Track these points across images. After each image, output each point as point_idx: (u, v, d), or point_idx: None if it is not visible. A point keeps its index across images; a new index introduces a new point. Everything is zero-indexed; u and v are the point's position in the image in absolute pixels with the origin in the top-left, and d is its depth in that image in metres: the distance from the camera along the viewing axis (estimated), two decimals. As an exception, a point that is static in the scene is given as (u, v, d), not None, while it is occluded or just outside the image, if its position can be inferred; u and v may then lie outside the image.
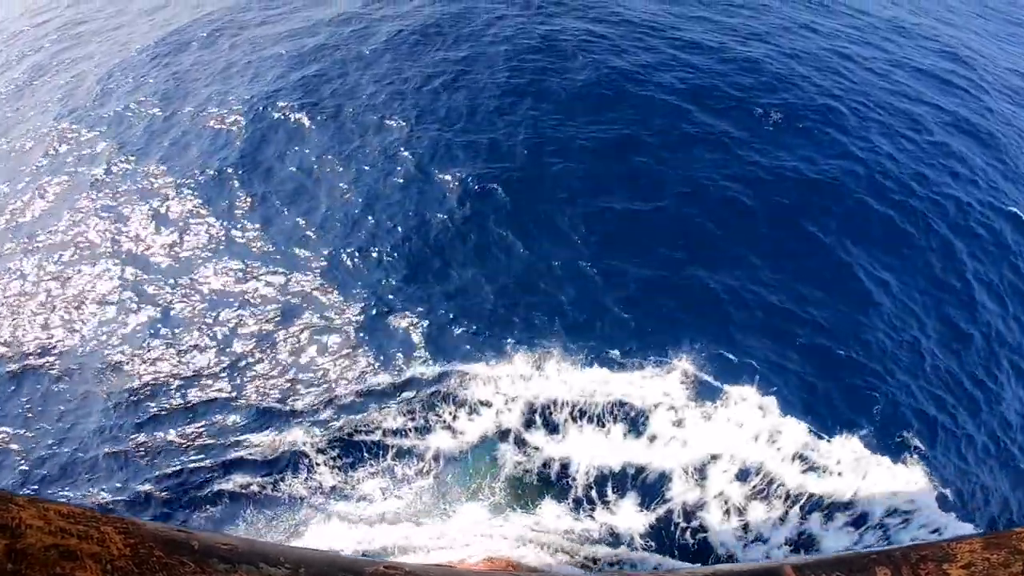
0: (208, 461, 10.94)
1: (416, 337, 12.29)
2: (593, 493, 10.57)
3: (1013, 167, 17.83)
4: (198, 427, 11.35)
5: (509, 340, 12.16)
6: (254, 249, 13.95)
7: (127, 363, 12.30)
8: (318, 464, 10.86)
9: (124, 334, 12.80)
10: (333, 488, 10.63)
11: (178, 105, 18.37)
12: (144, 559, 2.87)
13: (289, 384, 11.79)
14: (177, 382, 11.96)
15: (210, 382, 11.91)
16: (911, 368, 12.40)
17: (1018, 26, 30.67)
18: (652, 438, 11.08)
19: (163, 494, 10.72)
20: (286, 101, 17.60)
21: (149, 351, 12.41)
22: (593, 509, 10.45)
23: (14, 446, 11.50)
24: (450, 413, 11.36)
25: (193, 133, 17.14)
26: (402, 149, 15.97)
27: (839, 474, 10.82)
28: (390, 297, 12.93)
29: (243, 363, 12.12)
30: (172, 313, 13.01)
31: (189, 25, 23.11)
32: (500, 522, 10.27)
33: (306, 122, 17.00)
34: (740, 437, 11.06)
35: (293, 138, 16.65)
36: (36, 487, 10.94)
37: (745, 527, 10.37)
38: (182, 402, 11.68)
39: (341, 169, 15.63)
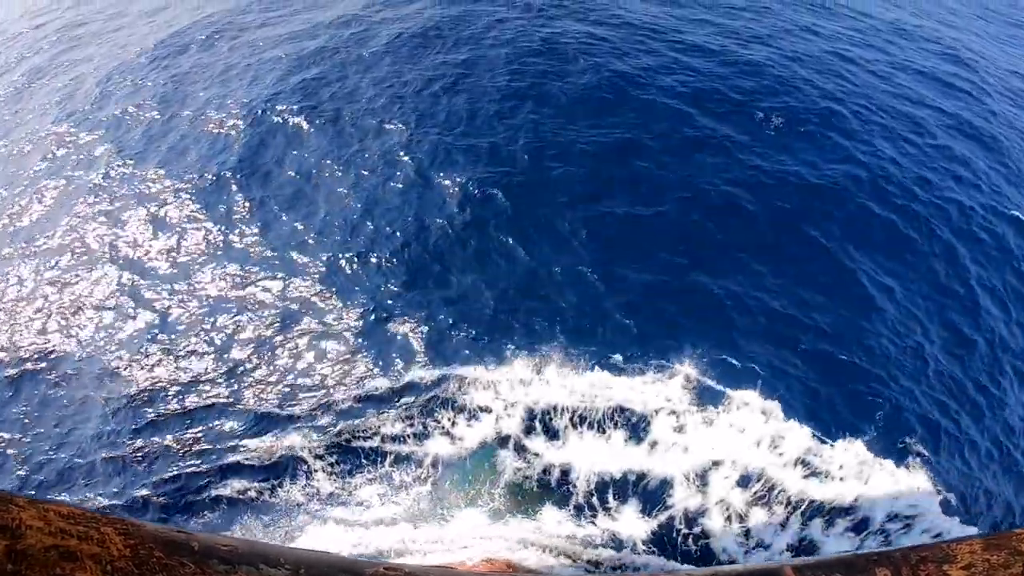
0: (206, 466, 10.91)
1: (415, 342, 12.24)
2: (595, 500, 10.54)
3: (1016, 170, 17.76)
4: (196, 432, 11.31)
5: (509, 345, 12.12)
6: (252, 254, 13.89)
7: (125, 368, 12.25)
8: (316, 471, 10.82)
9: (122, 339, 12.75)
10: (331, 494, 10.59)
11: (177, 109, 18.31)
12: (144, 560, 2.86)
13: (287, 389, 11.74)
14: (175, 387, 11.91)
15: (208, 387, 11.87)
16: (914, 373, 12.35)
17: (1018, 28, 30.65)
18: (653, 444, 11.04)
19: (161, 499, 10.70)
20: (285, 105, 17.54)
21: (147, 356, 12.36)
22: (595, 516, 10.41)
23: (11, 451, 11.46)
24: (449, 419, 11.30)
25: (191, 137, 17.07)
26: (402, 153, 15.91)
27: (841, 479, 10.79)
28: (389, 302, 12.87)
29: (241, 368, 12.07)
30: (170, 318, 12.96)
31: (189, 27, 23.06)
32: (500, 528, 10.24)
33: (305, 126, 16.93)
34: (742, 442, 11.02)
35: (292, 142, 16.58)
36: (33, 492, 10.89)
37: (747, 533, 10.35)
38: (180, 407, 11.64)
39: (340, 173, 15.56)
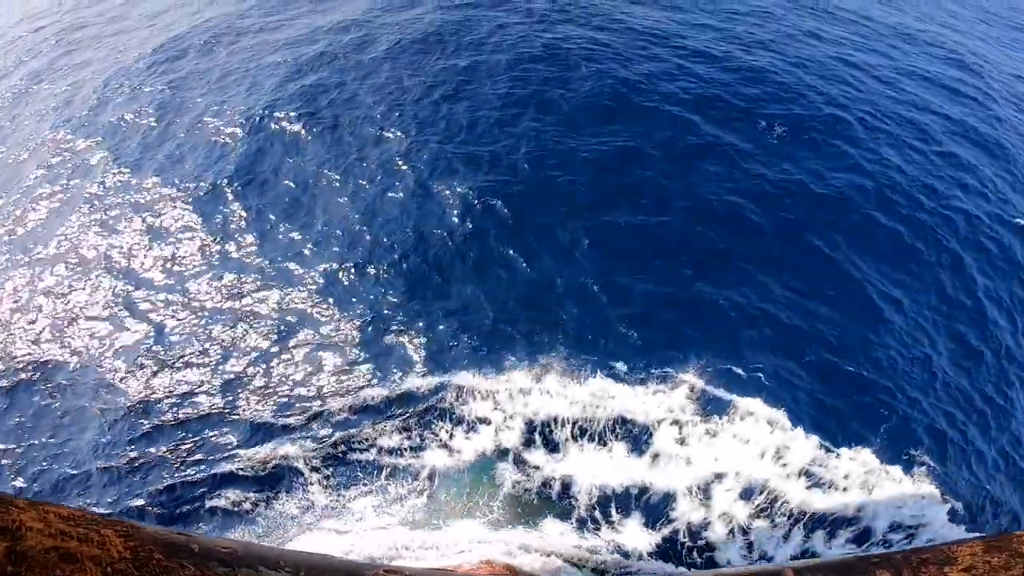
0: (201, 477, 10.85)
1: (414, 353, 12.16)
2: (597, 513, 10.44)
3: (1021, 178, 17.61)
4: (191, 443, 11.24)
5: (509, 356, 12.04)
6: (249, 264, 13.77)
7: (121, 379, 12.16)
8: (312, 483, 10.75)
9: (118, 349, 12.66)
10: (326, 506, 10.52)
11: (174, 116, 18.20)
12: (144, 562, 2.88)
13: (284, 400, 11.66)
14: (171, 398, 11.83)
15: (204, 398, 11.79)
16: (921, 384, 12.29)
17: (1019, 31, 30.48)
18: (656, 456, 10.95)
19: (156, 510, 10.65)
20: (283, 112, 17.41)
21: (143, 367, 12.27)
22: (598, 529, 10.32)
23: (6, 461, 11.39)
24: (447, 431, 11.23)
25: (188, 145, 16.94)
26: (401, 162, 15.77)
27: (845, 489, 10.75)
28: (387, 313, 12.77)
29: (237, 379, 11.99)
30: (166, 328, 12.87)
31: (188, 32, 22.95)
32: (500, 534, 10.20)
33: (303, 134, 16.80)
34: (746, 453, 10.95)
35: (290, 150, 16.45)
36: (28, 504, 10.73)
37: (750, 545, 10.30)
38: (176, 418, 11.55)
39: (338, 182, 15.43)
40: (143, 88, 19.69)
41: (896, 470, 10.93)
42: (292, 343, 12.43)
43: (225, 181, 15.51)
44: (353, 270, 13.44)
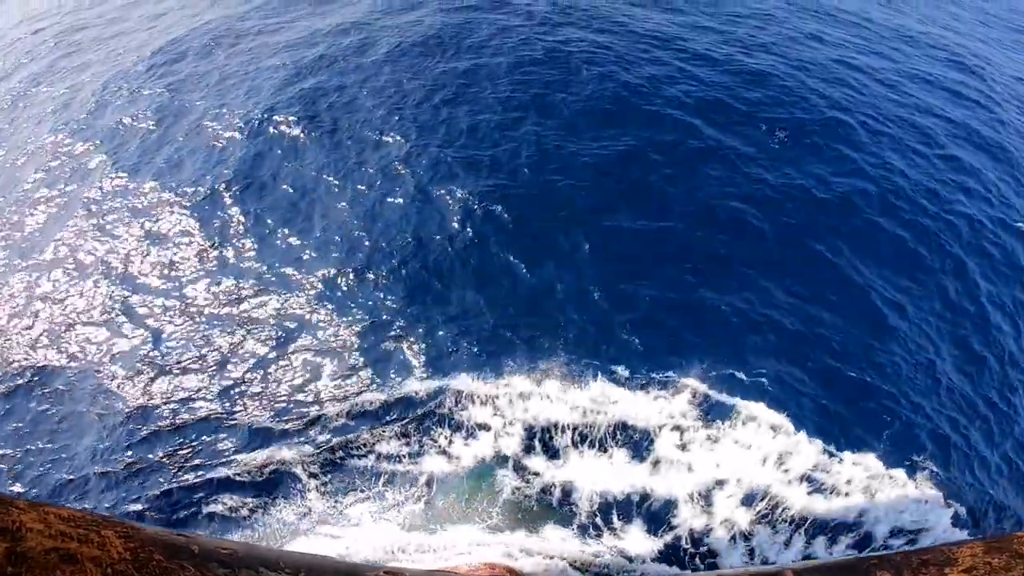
0: (199, 483, 10.83)
1: (413, 358, 12.12)
2: (599, 520, 10.41)
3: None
4: (189, 449, 11.22)
5: (509, 362, 12.02)
6: (248, 269, 13.72)
7: (118, 384, 12.13)
8: (309, 489, 10.73)
9: (115, 355, 12.63)
10: (324, 512, 10.50)
11: (173, 119, 18.12)
12: (144, 563, 2.88)
13: (282, 405, 11.63)
14: (169, 403, 11.79)
15: (202, 403, 11.76)
16: (924, 389, 12.27)
17: (1020, 33, 30.40)
18: (657, 462, 10.92)
19: (153, 515, 10.63)
20: (282, 116, 17.33)
21: (141, 372, 12.24)
22: (600, 535, 10.29)
23: (3, 466, 11.37)
24: (446, 437, 11.19)
25: (187, 149, 16.87)
26: (401, 166, 15.69)
27: (846, 494, 10.75)
28: (386, 318, 12.72)
29: (235, 384, 11.96)
30: (164, 333, 12.83)
31: (187, 34, 22.86)
32: (500, 536, 10.19)
33: (302, 138, 16.72)
34: (749, 459, 10.95)
35: (289, 155, 16.37)
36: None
37: (751, 552, 10.29)
38: (173, 423, 11.52)
39: (338, 187, 15.36)
40: (142, 91, 19.62)
41: (899, 475, 10.94)
42: (290, 348, 12.39)
43: (224, 186, 15.43)
44: (352, 275, 13.38)
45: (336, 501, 10.59)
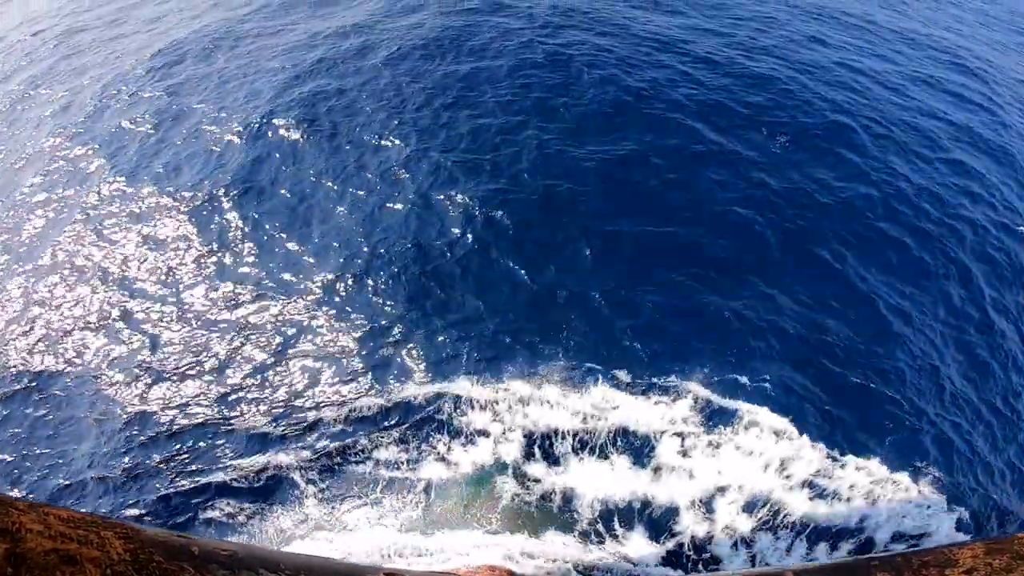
0: (196, 488, 10.82)
1: (412, 364, 12.08)
2: (600, 526, 10.37)
3: (1028, 185, 17.52)
4: (187, 454, 11.19)
5: (509, 367, 11.98)
6: (246, 274, 13.67)
7: (116, 389, 12.10)
8: (307, 496, 10.70)
9: (113, 360, 12.59)
10: (321, 518, 10.47)
11: (172, 123, 18.07)
12: (144, 564, 2.87)
13: (280, 411, 11.59)
14: (167, 409, 11.76)
15: (200, 408, 11.73)
16: (928, 395, 12.21)
17: (1022, 35, 30.33)
18: (657, 469, 10.88)
19: (151, 520, 10.62)
20: (282, 119, 17.27)
21: (139, 377, 12.20)
22: (602, 542, 10.25)
23: (1, 472, 11.35)
24: (444, 443, 11.15)
25: (186, 154, 16.81)
26: (401, 171, 15.62)
27: (849, 500, 10.73)
28: (385, 324, 12.67)
29: (234, 390, 11.92)
30: (162, 338, 12.80)
31: (187, 37, 22.83)
32: (500, 539, 10.16)
33: (302, 142, 16.66)
34: (751, 465, 10.91)
35: (288, 159, 16.30)
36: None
37: (753, 559, 10.26)
38: (171, 429, 11.49)
39: (337, 192, 15.29)
40: (141, 94, 19.57)
41: (903, 479, 10.91)
42: (289, 354, 12.34)
43: (222, 190, 15.37)
44: (351, 280, 13.32)
45: (333, 507, 10.56)
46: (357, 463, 10.92)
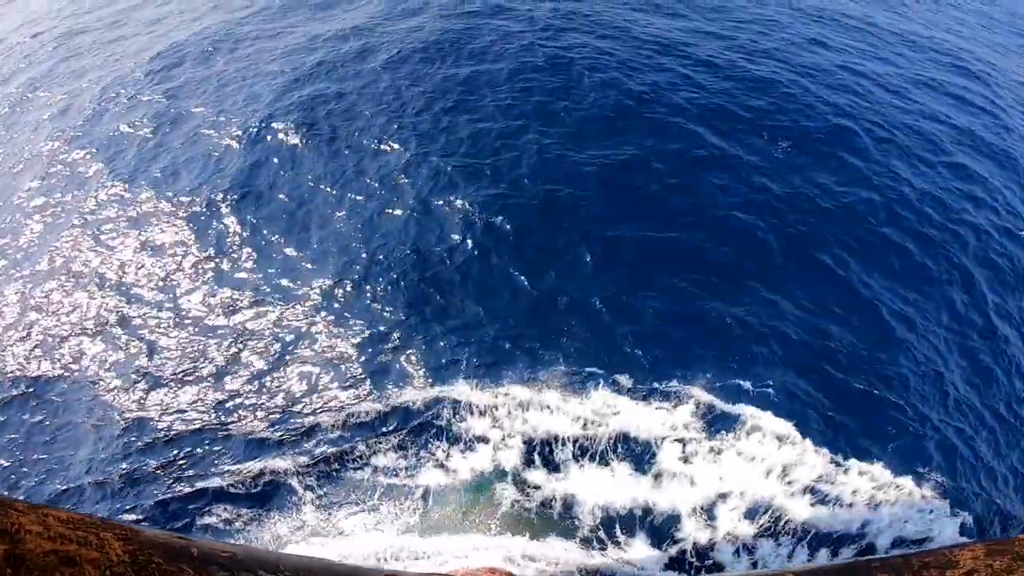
0: (194, 494, 10.78)
1: (411, 369, 12.03)
2: (601, 533, 10.32)
3: (1030, 188, 17.46)
4: (184, 460, 11.14)
5: (509, 372, 11.93)
6: (244, 279, 13.61)
7: (114, 395, 12.04)
8: (305, 502, 10.66)
9: (111, 365, 12.54)
10: (318, 523, 10.43)
11: (170, 127, 18.02)
12: (143, 566, 2.87)
13: (277, 417, 11.54)
14: (164, 414, 11.71)
15: (197, 414, 11.68)
16: (931, 401, 12.19)
17: (1022, 37, 30.30)
18: (658, 475, 10.83)
19: (148, 525, 10.52)
20: (281, 123, 17.22)
21: (136, 383, 12.14)
22: (604, 548, 10.20)
23: (-1, 478, 11.27)
24: (443, 450, 11.10)
25: (184, 158, 16.75)
26: (400, 176, 15.57)
27: (851, 505, 10.71)
28: (384, 329, 12.62)
29: (231, 395, 11.88)
30: (160, 344, 12.75)
31: (187, 39, 22.78)
32: (500, 540, 10.14)
33: (300, 147, 16.61)
34: (752, 471, 10.88)
35: (287, 164, 16.25)
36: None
37: (755, 564, 10.26)
38: (168, 434, 11.44)
39: (336, 197, 15.24)
40: (140, 97, 19.51)
41: (906, 484, 10.89)
42: (287, 359, 12.29)
43: (221, 195, 15.32)
44: (349, 286, 13.26)
45: (330, 513, 10.53)
46: (355, 469, 10.86)
